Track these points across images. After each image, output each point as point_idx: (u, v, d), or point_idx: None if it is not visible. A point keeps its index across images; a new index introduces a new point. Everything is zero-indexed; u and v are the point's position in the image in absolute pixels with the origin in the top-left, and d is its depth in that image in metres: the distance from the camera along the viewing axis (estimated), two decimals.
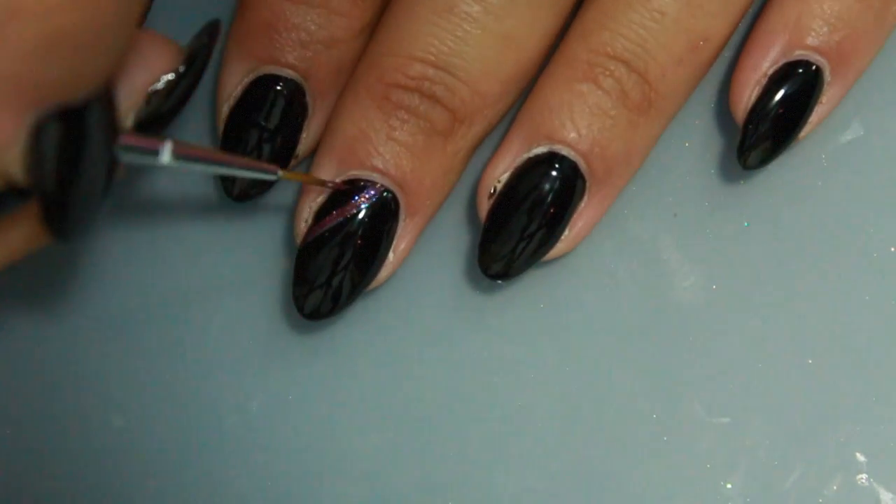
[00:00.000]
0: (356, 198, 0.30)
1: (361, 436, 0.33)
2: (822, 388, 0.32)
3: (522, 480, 0.32)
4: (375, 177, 0.30)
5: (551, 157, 0.30)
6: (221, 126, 0.32)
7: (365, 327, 0.33)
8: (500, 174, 0.31)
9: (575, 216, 0.31)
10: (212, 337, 0.34)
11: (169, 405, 0.34)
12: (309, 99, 0.32)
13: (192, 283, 0.34)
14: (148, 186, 0.34)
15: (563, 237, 0.31)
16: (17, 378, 0.35)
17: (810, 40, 0.30)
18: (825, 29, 0.30)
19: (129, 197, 0.34)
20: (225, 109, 0.32)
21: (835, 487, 0.31)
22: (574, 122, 0.30)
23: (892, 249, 0.32)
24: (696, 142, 0.33)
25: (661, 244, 0.33)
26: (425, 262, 0.33)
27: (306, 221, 0.31)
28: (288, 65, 0.31)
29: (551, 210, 0.30)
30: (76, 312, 0.34)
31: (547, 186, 0.30)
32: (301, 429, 0.33)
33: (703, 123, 0.33)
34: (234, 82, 0.32)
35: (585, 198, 0.31)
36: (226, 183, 0.32)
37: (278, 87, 0.31)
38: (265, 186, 0.33)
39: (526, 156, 0.30)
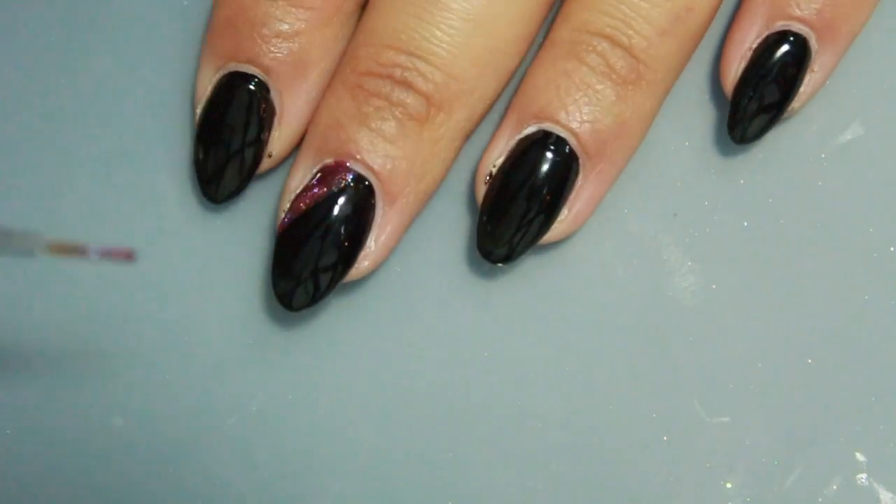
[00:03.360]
0: (330, 184, 0.30)
1: (361, 436, 0.33)
2: (822, 388, 0.32)
3: (522, 480, 0.32)
4: (349, 164, 0.30)
5: (542, 137, 0.30)
6: (197, 130, 0.32)
7: (365, 328, 0.33)
8: (494, 159, 0.31)
9: (573, 195, 0.31)
10: (211, 337, 0.34)
11: (169, 405, 0.34)
12: (274, 95, 0.31)
13: (192, 283, 0.34)
14: (146, 187, 0.34)
15: (562, 217, 0.31)
16: (17, 378, 0.35)
17: (792, 11, 0.30)
18: None
19: (127, 197, 0.34)
20: (198, 112, 0.32)
21: (835, 487, 0.31)
22: (561, 100, 0.30)
23: (892, 249, 0.32)
24: (696, 142, 0.33)
25: (661, 244, 0.33)
26: (425, 262, 0.33)
27: (283, 211, 0.31)
28: (248, 61, 0.31)
29: (546, 189, 0.30)
30: (76, 312, 0.34)
31: (540, 166, 0.30)
32: (301, 429, 0.33)
33: (703, 123, 0.33)
34: (205, 83, 0.32)
35: (581, 175, 0.31)
36: (206, 189, 0.32)
37: (248, 86, 0.31)
38: (241, 186, 0.32)
39: (517, 137, 0.31)
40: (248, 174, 0.32)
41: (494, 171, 0.31)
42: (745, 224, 0.33)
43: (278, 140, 0.32)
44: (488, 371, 0.33)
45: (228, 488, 0.33)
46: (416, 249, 0.33)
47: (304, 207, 0.30)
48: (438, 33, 0.30)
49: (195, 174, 0.32)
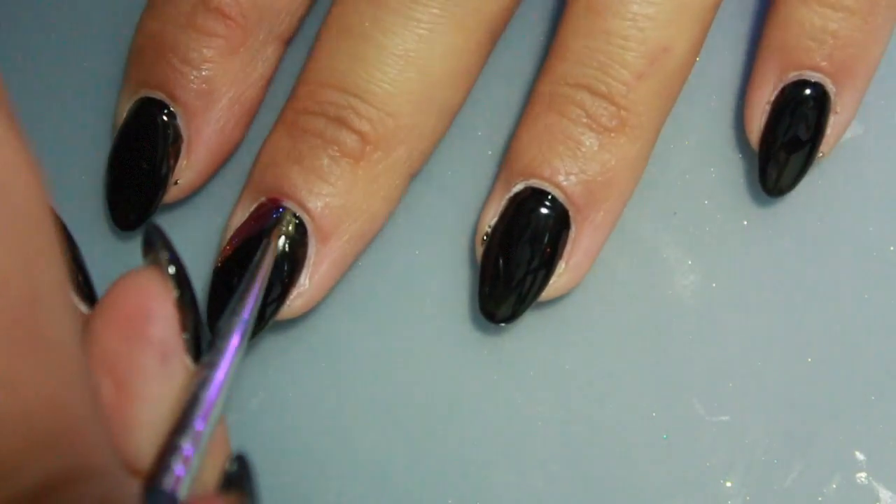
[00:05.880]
0: (262, 221, 0.30)
1: (361, 435, 0.33)
2: (822, 388, 0.32)
3: (522, 480, 0.32)
4: (283, 202, 0.30)
5: (530, 194, 0.30)
6: (109, 155, 0.32)
7: (365, 327, 0.33)
8: (489, 220, 0.31)
9: (568, 247, 0.31)
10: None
11: None
12: (181, 122, 0.31)
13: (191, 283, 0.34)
14: None
15: (560, 271, 0.31)
16: None
17: (802, 59, 0.31)
18: (812, 45, 0.30)
19: None
20: (115, 137, 0.32)
21: (834, 486, 0.31)
22: (544, 155, 0.30)
23: (892, 249, 0.32)
24: (695, 141, 0.33)
25: (660, 242, 0.33)
26: (424, 262, 0.33)
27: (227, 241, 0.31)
28: (158, 87, 0.31)
29: (539, 245, 0.30)
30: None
31: (531, 223, 0.30)
32: (301, 428, 0.33)
33: (703, 122, 0.33)
34: (121, 109, 0.32)
35: (574, 227, 0.31)
36: (114, 215, 0.32)
37: (157, 113, 0.31)
38: (147, 214, 0.32)
39: (507, 196, 0.31)
40: (153, 202, 0.32)
41: (490, 231, 0.31)
42: (745, 224, 0.33)
43: (186, 168, 0.32)
44: (487, 370, 0.33)
45: None
46: (416, 249, 0.33)
47: (234, 245, 0.30)
48: (375, 71, 0.30)
49: (105, 200, 0.32)
